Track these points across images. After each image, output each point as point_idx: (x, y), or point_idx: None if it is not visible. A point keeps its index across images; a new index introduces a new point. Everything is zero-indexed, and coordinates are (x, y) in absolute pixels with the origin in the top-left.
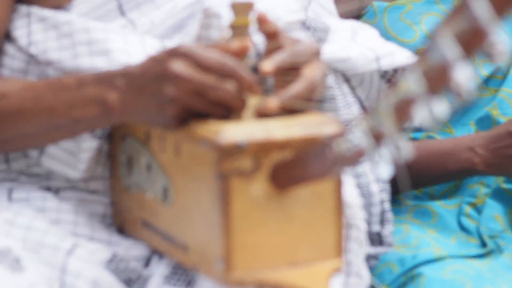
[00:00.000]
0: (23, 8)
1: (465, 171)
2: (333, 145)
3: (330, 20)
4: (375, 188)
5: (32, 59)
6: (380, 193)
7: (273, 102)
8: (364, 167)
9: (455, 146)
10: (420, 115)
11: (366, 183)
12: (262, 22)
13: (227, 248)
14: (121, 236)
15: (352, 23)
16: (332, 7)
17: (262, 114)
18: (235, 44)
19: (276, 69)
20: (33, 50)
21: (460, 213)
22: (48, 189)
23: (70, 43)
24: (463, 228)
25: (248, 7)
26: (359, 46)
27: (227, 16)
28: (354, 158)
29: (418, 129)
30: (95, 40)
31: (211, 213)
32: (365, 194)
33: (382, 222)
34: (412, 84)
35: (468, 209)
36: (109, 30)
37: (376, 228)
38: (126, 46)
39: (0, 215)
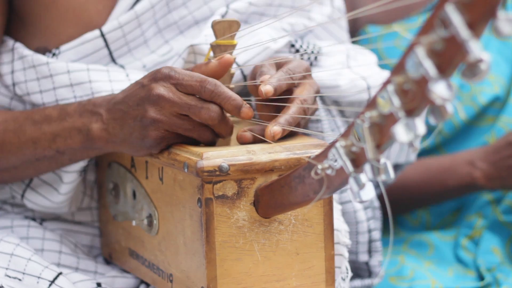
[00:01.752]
0: (10, 42)
1: (465, 187)
2: (314, 170)
3: (324, 43)
4: (362, 216)
5: (16, 96)
6: (368, 221)
7: (276, 129)
8: (350, 195)
9: (454, 161)
10: (400, 134)
11: (353, 211)
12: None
13: (211, 277)
14: (108, 267)
15: (350, 47)
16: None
17: (270, 139)
18: (214, 62)
19: (275, 91)
20: (18, 91)
21: (456, 245)
22: (33, 219)
23: (51, 85)
24: (460, 260)
25: (233, 25)
26: (352, 73)
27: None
28: (336, 180)
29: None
30: (77, 81)
31: (194, 241)
32: (352, 222)
33: (370, 251)
34: (388, 101)
35: (465, 241)
36: (91, 69)
37: (364, 257)
38: (111, 85)
39: None
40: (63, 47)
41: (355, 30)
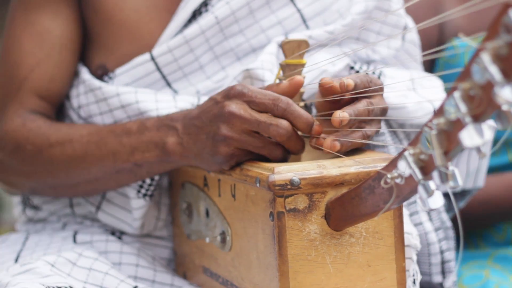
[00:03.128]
0: (77, 66)
1: None
2: (384, 179)
3: (387, 68)
4: (433, 237)
5: (81, 118)
6: (440, 243)
7: (344, 114)
8: (421, 217)
9: None
10: (467, 140)
11: (424, 232)
12: (326, 90)
13: None
14: (185, 281)
15: (415, 74)
16: (411, 64)
17: (336, 124)
18: (285, 83)
19: (355, 86)
20: (82, 113)
21: None
22: (112, 233)
23: (107, 108)
24: None
25: (302, 45)
26: (418, 96)
27: (270, 81)
28: (405, 189)
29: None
30: (127, 103)
31: (267, 254)
32: (423, 243)
33: (443, 272)
34: (455, 107)
35: None
36: (139, 91)
37: (437, 278)
38: (157, 104)
39: (65, 255)
40: (118, 71)
41: (441, 42)
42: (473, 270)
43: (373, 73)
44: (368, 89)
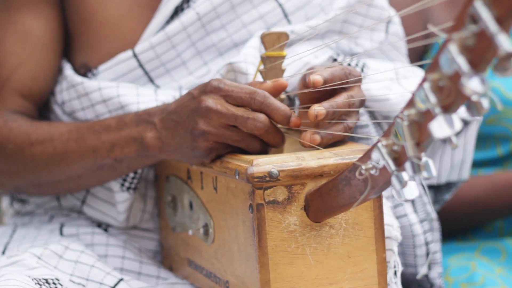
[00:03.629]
0: (61, 61)
1: None
2: (358, 170)
3: (370, 60)
4: (418, 229)
5: (65, 113)
6: (425, 234)
7: (318, 107)
8: (406, 209)
9: None
10: (437, 130)
11: (408, 224)
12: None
13: (264, 281)
14: (170, 273)
15: (401, 67)
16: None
17: (312, 118)
18: (269, 83)
19: (324, 81)
20: (66, 109)
21: None
22: (98, 225)
23: (89, 103)
24: None
25: (282, 37)
26: (401, 87)
27: (253, 74)
28: (380, 180)
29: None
30: (108, 97)
31: (248, 246)
32: (408, 235)
33: (428, 264)
34: (425, 98)
35: None
36: (121, 86)
37: (423, 270)
38: (138, 98)
39: (51, 248)
40: (101, 67)
41: (428, 45)
42: (460, 262)
43: (356, 65)
44: (346, 81)
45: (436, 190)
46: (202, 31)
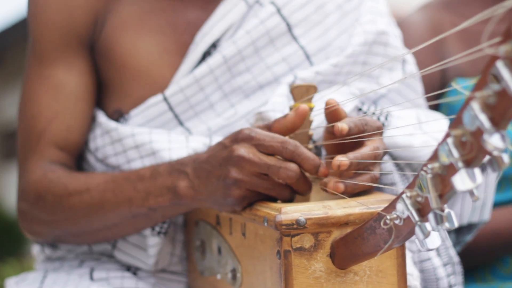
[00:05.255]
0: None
1: None
2: (383, 220)
3: (393, 108)
4: (442, 272)
5: (98, 160)
6: (448, 277)
7: (343, 159)
8: (429, 253)
9: None
10: (460, 184)
11: (432, 268)
12: (330, 112)
13: None
14: None
15: (421, 112)
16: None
17: (335, 168)
18: (291, 113)
19: (349, 130)
20: (99, 155)
21: None
22: (128, 269)
23: (121, 148)
24: None
25: (310, 89)
26: (424, 134)
27: None
28: (404, 229)
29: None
30: (141, 143)
31: None
32: (432, 278)
33: None
34: (448, 153)
35: None
36: (153, 132)
37: None
38: (170, 145)
39: None
40: (132, 112)
41: (444, 83)
42: None
43: (381, 113)
44: (376, 132)
45: (457, 231)
46: (228, 74)
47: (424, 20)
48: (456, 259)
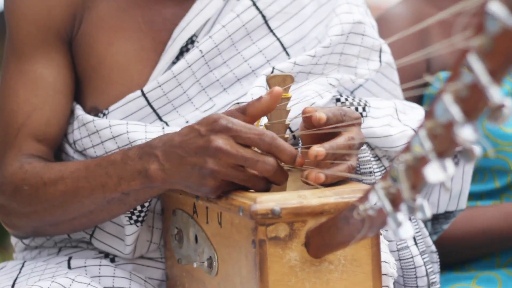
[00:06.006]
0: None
1: None
2: (356, 210)
3: (371, 98)
4: (420, 260)
5: (77, 151)
6: (426, 265)
7: (320, 149)
8: (407, 241)
9: None
10: (431, 175)
11: (410, 256)
12: (307, 118)
13: None
14: None
15: (398, 103)
16: (392, 88)
17: (312, 158)
18: (266, 97)
19: (327, 120)
20: (77, 147)
21: None
22: (106, 256)
23: (99, 140)
24: None
25: (287, 79)
26: (402, 125)
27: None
28: (377, 220)
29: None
30: (117, 134)
31: (250, 280)
32: (410, 266)
33: None
34: (420, 145)
35: None
36: (130, 123)
37: None
38: (146, 134)
39: (58, 281)
40: (111, 107)
41: (430, 75)
42: None
43: (359, 104)
44: (352, 123)
45: (434, 220)
46: (205, 68)
47: (406, 12)
48: (433, 248)
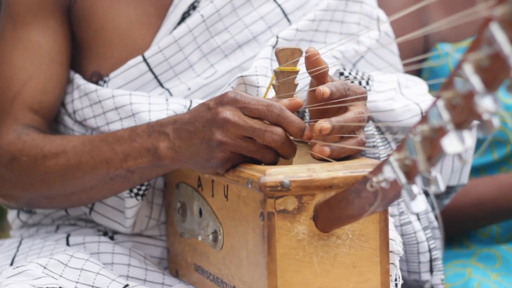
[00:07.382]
0: (70, 73)
1: None
2: (369, 183)
3: (374, 72)
4: (422, 236)
5: (77, 122)
6: (428, 241)
7: (325, 124)
8: (410, 216)
9: None
10: (449, 146)
11: (413, 232)
12: (311, 62)
13: (272, 287)
14: (175, 279)
15: (401, 77)
16: (391, 59)
17: (316, 132)
18: (285, 101)
19: (331, 94)
20: (77, 117)
21: None
22: (104, 234)
23: (101, 110)
24: None
25: (296, 52)
26: (405, 99)
27: (264, 86)
28: (390, 192)
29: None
30: (121, 105)
31: (257, 253)
32: (413, 242)
33: (431, 270)
34: (438, 116)
35: None
36: (133, 94)
37: (426, 276)
38: (149, 107)
39: (57, 257)
40: (112, 74)
41: (427, 48)
42: (456, 268)
43: (362, 77)
44: (356, 97)
45: (435, 195)
46: (206, 33)
47: None
48: (435, 223)
